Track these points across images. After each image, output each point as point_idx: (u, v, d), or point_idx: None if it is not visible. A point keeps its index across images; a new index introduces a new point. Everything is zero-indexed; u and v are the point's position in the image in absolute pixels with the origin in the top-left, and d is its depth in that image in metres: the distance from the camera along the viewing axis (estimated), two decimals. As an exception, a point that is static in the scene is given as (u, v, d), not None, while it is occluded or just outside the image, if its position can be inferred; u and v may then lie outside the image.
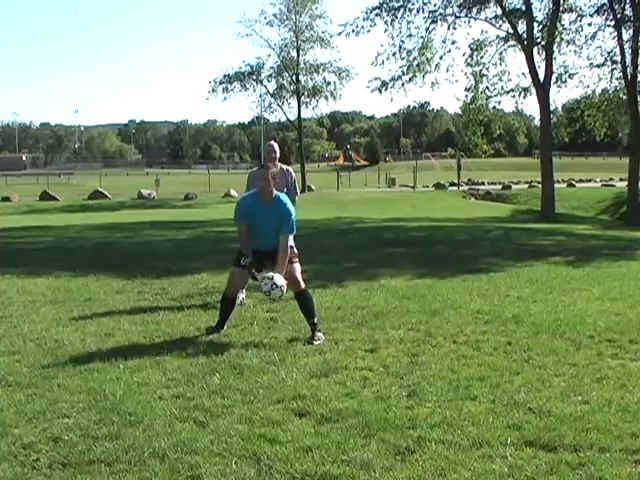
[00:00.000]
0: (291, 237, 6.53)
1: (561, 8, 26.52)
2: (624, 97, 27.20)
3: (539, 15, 27.16)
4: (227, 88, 43.02)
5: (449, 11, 27.69)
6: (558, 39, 26.56)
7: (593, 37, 27.30)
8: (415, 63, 27.50)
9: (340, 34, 28.64)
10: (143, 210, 34.15)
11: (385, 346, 6.05)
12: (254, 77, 43.47)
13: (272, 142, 8.46)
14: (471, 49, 27.88)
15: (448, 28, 27.54)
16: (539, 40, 26.70)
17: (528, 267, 10.96)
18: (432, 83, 28.31)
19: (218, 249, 13.30)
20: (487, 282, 9.42)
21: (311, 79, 43.51)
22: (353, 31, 27.80)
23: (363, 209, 31.17)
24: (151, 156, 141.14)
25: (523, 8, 26.64)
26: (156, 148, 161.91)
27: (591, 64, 27.61)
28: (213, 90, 43.05)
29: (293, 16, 42.58)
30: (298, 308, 6.57)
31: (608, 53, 27.16)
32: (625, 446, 3.87)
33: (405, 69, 27.63)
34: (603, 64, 27.48)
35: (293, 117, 45.90)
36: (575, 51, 27.33)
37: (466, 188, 46.77)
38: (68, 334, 6.50)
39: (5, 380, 5.11)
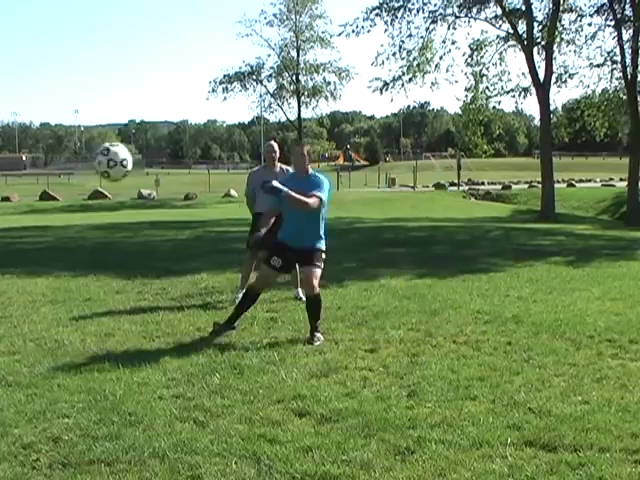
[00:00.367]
0: (323, 241, 6.48)
1: (561, 8, 26.53)
2: (624, 97, 27.20)
3: (539, 15, 27.21)
4: (227, 88, 43.03)
5: (449, 11, 27.72)
6: (558, 39, 26.57)
7: (593, 37, 27.34)
8: (415, 63, 27.51)
9: (340, 34, 28.70)
10: (143, 210, 34.15)
11: (385, 346, 6.04)
12: (254, 77, 43.46)
13: (272, 142, 8.47)
14: (471, 49, 27.91)
15: (448, 28, 27.59)
16: (539, 40, 26.71)
17: (528, 267, 10.96)
18: (432, 83, 28.36)
19: (218, 249, 13.31)
20: (487, 282, 9.42)
21: (311, 79, 43.54)
22: (353, 31, 27.84)
23: (363, 209, 31.16)
24: (151, 156, 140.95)
25: (523, 8, 26.65)
26: (156, 148, 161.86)
27: (591, 64, 27.65)
28: (213, 90, 43.08)
29: (293, 16, 42.58)
30: (297, 308, 6.56)
31: (608, 53, 27.20)
32: (625, 446, 3.87)
33: (405, 69, 27.65)
34: (603, 64, 27.50)
35: (293, 117, 45.92)
36: (575, 51, 27.37)
37: (466, 188, 46.77)
38: (68, 334, 6.50)
39: (5, 380, 5.11)
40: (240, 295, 7.99)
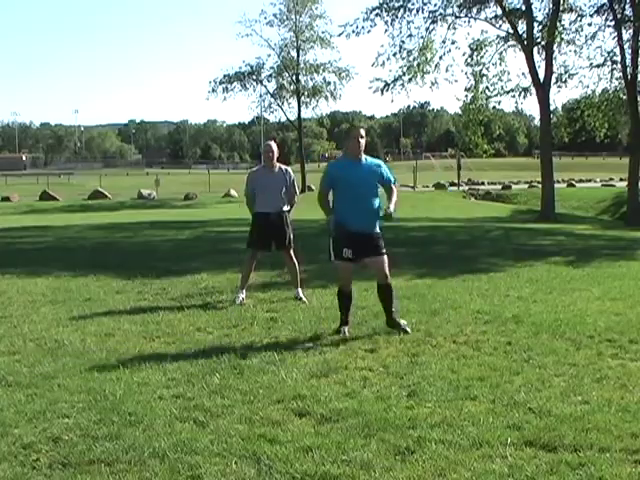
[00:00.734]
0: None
1: (561, 8, 26.51)
2: (624, 97, 27.19)
3: (539, 15, 27.19)
4: (227, 88, 43.09)
5: (449, 11, 27.70)
6: (558, 39, 26.55)
7: (593, 37, 27.31)
8: (415, 63, 27.50)
9: (340, 35, 28.66)
10: (143, 210, 34.18)
11: (385, 346, 6.04)
12: (254, 77, 43.51)
13: (270, 142, 8.48)
14: (471, 49, 27.89)
15: (448, 28, 27.58)
16: (539, 40, 26.70)
17: (528, 267, 10.96)
18: (432, 83, 28.33)
19: (218, 249, 13.31)
20: (487, 282, 9.42)
21: (311, 79, 43.60)
22: (353, 32, 27.80)
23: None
24: (151, 156, 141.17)
25: (523, 8, 26.64)
26: (156, 148, 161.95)
27: (591, 64, 27.63)
28: (213, 90, 43.15)
29: (293, 16, 42.62)
30: (297, 308, 6.56)
31: (608, 53, 27.18)
32: (625, 446, 3.87)
33: (405, 69, 27.64)
34: (603, 64, 27.48)
35: (293, 117, 46.00)
36: (575, 51, 27.35)
37: (466, 188, 46.79)
38: (68, 334, 6.51)
39: (5, 380, 5.11)
40: (240, 295, 8.02)
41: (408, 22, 27.41)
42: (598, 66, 27.53)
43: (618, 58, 26.54)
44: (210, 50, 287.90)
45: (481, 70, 27.96)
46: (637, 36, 25.44)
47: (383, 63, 27.64)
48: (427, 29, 27.50)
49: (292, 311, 7.45)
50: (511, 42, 27.67)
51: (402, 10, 27.29)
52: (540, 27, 26.80)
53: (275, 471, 3.61)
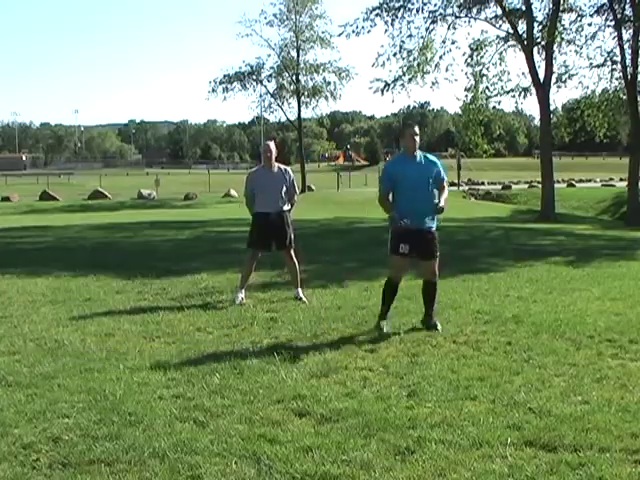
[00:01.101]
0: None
1: (561, 8, 26.51)
2: (624, 97, 27.19)
3: (539, 15, 27.19)
4: (227, 88, 43.09)
5: (449, 11, 27.70)
6: (558, 39, 26.55)
7: (593, 37, 27.31)
8: (415, 63, 27.50)
9: (340, 35, 28.68)
10: (143, 210, 34.17)
11: (385, 346, 6.04)
12: (254, 77, 43.50)
13: (268, 142, 8.48)
14: (471, 49, 27.90)
15: (448, 28, 27.58)
16: (539, 40, 26.70)
17: (528, 267, 10.96)
18: (432, 83, 28.34)
19: (218, 249, 13.31)
20: (487, 282, 9.42)
21: (311, 79, 43.59)
22: (353, 32, 27.81)
23: (363, 209, 31.14)
24: (151, 156, 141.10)
25: (523, 8, 26.64)
26: (156, 148, 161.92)
27: (591, 64, 27.62)
28: (213, 90, 43.15)
29: (293, 16, 42.62)
30: (297, 308, 6.56)
31: (608, 53, 27.17)
32: (625, 446, 3.87)
33: (405, 69, 27.64)
34: (603, 64, 27.47)
35: (293, 117, 45.99)
36: (575, 51, 27.36)
37: (466, 188, 46.77)
38: (68, 334, 6.51)
39: (5, 380, 5.11)
40: (239, 295, 8.02)
41: (408, 22, 27.45)
42: (598, 66, 27.54)
43: (618, 58, 26.54)
44: (210, 50, 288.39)
45: (481, 70, 27.98)
46: (637, 36, 25.44)
47: (383, 63, 27.67)
48: (427, 29, 27.53)
49: (292, 311, 7.45)
50: (511, 42, 27.67)
51: (402, 10, 27.30)
52: (540, 27, 26.80)
53: (275, 471, 3.61)
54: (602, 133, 29.06)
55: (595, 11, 27.07)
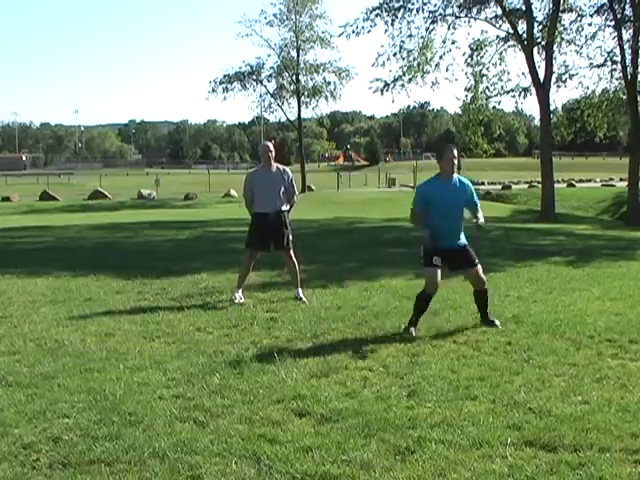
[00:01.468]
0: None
1: (561, 8, 26.52)
2: (624, 97, 27.19)
3: (539, 15, 27.23)
4: (227, 88, 43.12)
5: (449, 11, 27.74)
6: (558, 39, 26.57)
7: (593, 37, 27.34)
8: (416, 63, 27.51)
9: (340, 35, 28.74)
10: (143, 210, 34.18)
11: (385, 346, 6.04)
12: (254, 77, 43.52)
13: (267, 142, 8.48)
14: (471, 49, 27.92)
15: (448, 28, 27.62)
16: (539, 40, 26.71)
17: (528, 267, 10.96)
18: (432, 83, 28.36)
19: (218, 249, 13.31)
20: (487, 282, 9.41)
21: (311, 79, 43.61)
22: (353, 32, 27.85)
23: (363, 209, 31.17)
24: (151, 156, 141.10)
25: (523, 8, 26.65)
26: (156, 148, 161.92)
27: (591, 64, 27.65)
28: (213, 90, 43.18)
29: (293, 16, 42.64)
30: (297, 308, 6.56)
31: (608, 53, 27.19)
32: (625, 446, 3.87)
33: (405, 69, 27.65)
34: (603, 64, 27.49)
35: (293, 117, 46.01)
36: (576, 51, 27.37)
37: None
38: (68, 334, 6.50)
39: (5, 380, 5.11)
40: (237, 295, 8.03)
41: (408, 22, 27.50)
42: (598, 66, 27.57)
43: (618, 58, 26.56)
44: (210, 50, 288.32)
45: (481, 70, 28.01)
46: (637, 36, 25.45)
47: (383, 63, 27.71)
48: (427, 29, 27.57)
49: (292, 311, 7.45)
50: (511, 42, 27.70)
51: (402, 10, 27.34)
52: (540, 27, 26.82)
53: (275, 471, 3.61)
54: (602, 133, 29.09)
55: (595, 11, 27.12)
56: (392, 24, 27.34)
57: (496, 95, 28.39)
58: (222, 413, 4.44)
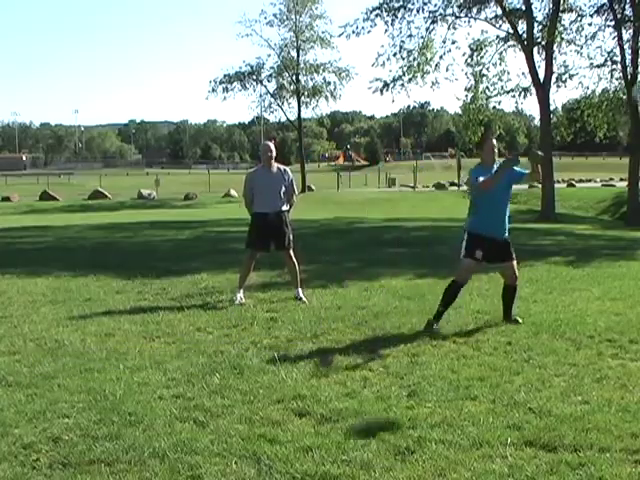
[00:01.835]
0: None
1: (561, 8, 26.52)
2: (624, 97, 27.19)
3: (539, 15, 27.22)
4: (227, 88, 43.16)
5: (449, 11, 27.74)
6: (558, 39, 26.57)
7: (593, 37, 27.32)
8: (415, 63, 27.52)
9: (340, 35, 28.75)
10: (143, 210, 34.19)
11: (385, 346, 6.04)
12: (254, 77, 43.55)
13: (267, 142, 8.47)
14: (471, 49, 27.92)
15: (448, 28, 27.62)
16: (539, 40, 26.71)
17: (528, 267, 10.94)
18: (432, 83, 28.36)
19: (218, 249, 13.31)
20: (487, 282, 9.40)
21: (311, 79, 43.66)
22: (353, 32, 27.85)
23: (363, 209, 31.17)
24: (151, 156, 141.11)
25: (523, 8, 26.65)
26: (156, 148, 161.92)
27: (591, 64, 27.63)
28: (213, 90, 43.22)
29: (293, 16, 42.67)
30: (297, 308, 6.56)
31: (608, 53, 27.18)
32: (625, 446, 3.87)
33: (405, 69, 27.66)
34: (603, 64, 27.47)
35: (293, 117, 46.05)
36: (576, 51, 27.36)
37: (466, 188, 46.72)
38: (68, 334, 6.51)
39: (5, 380, 5.11)
40: (238, 295, 8.02)
41: (408, 22, 27.51)
42: (598, 66, 27.55)
43: (618, 58, 26.55)
44: (210, 50, 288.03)
45: (481, 70, 28.00)
46: (637, 36, 25.45)
47: (383, 63, 27.71)
48: (427, 29, 27.57)
49: (292, 311, 7.45)
50: (511, 42, 27.69)
51: (402, 10, 27.35)
52: (540, 27, 26.81)
53: (275, 471, 3.61)
54: (602, 133, 29.07)
55: (595, 11, 27.11)
56: (392, 24, 27.38)
57: (496, 95, 28.40)
58: (222, 413, 4.44)
